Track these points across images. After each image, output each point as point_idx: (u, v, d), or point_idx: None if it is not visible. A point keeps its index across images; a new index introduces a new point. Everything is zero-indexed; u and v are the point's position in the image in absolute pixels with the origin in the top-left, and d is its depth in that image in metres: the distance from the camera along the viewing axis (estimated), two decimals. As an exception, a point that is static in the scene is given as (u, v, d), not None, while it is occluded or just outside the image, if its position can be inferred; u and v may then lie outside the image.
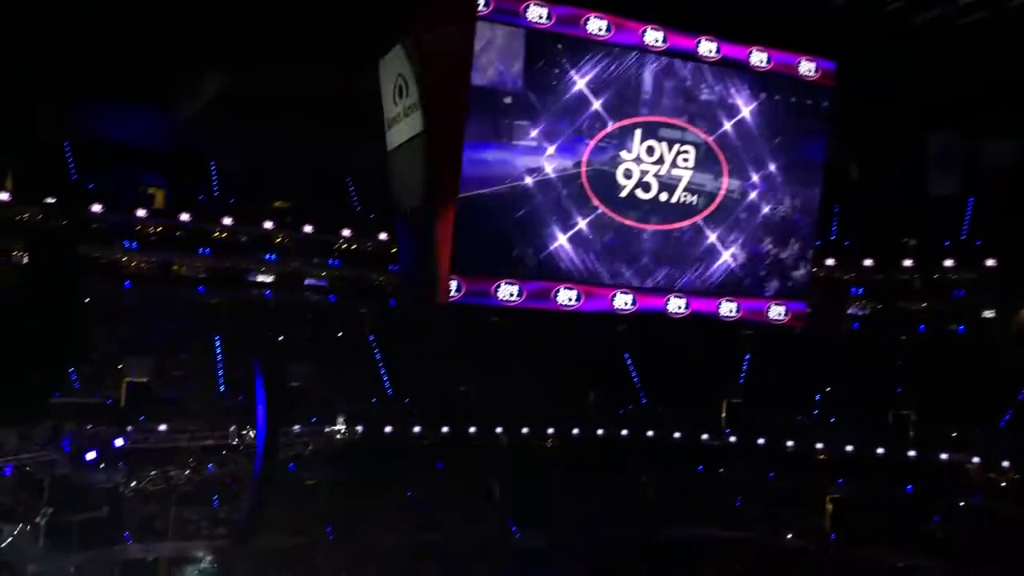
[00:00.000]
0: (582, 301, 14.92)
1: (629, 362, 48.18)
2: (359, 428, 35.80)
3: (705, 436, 44.35)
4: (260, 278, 45.75)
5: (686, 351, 45.05)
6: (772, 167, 16.25)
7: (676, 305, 15.81)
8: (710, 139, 15.62)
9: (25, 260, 38.79)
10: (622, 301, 15.29)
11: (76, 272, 39.36)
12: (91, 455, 30.50)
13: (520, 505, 41.84)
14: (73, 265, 39.29)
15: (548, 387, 44.98)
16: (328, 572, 35.26)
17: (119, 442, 31.56)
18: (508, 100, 13.95)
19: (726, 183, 15.88)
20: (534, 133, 14.19)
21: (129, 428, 33.55)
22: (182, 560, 32.74)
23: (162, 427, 35.11)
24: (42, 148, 42.85)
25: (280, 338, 42.08)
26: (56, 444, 29.93)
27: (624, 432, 43.73)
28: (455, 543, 38.52)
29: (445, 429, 41.64)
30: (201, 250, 44.35)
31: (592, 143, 14.67)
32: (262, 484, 29.67)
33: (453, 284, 13.81)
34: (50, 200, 40.72)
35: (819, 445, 43.01)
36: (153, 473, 32.03)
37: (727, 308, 16.33)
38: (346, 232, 46.60)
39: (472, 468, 42.51)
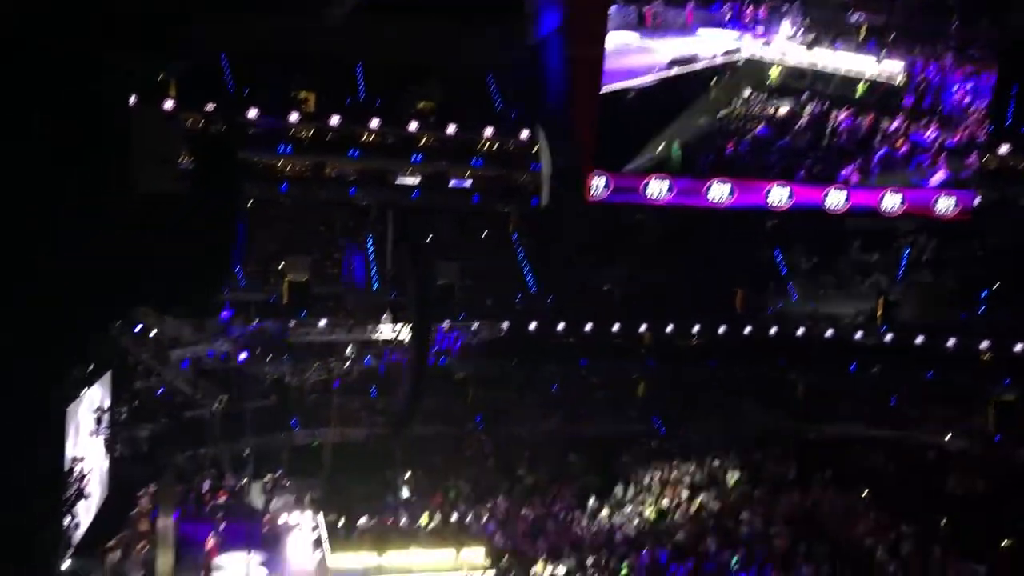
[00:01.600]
0: (735, 196, 14.51)
1: (779, 258, 46.76)
2: (504, 325, 36.56)
3: (859, 334, 42.81)
4: (407, 179, 46.66)
5: (840, 245, 43.35)
6: (941, 49, 15.06)
7: (835, 199, 15.16)
8: (873, 19, 14.58)
9: (190, 166, 40.99)
10: (778, 195, 14.78)
11: (237, 175, 41.27)
12: (258, 348, 32.55)
13: (665, 402, 42.09)
14: (233, 169, 41.21)
15: (694, 284, 44.44)
16: (478, 459, 36.82)
17: (283, 336, 33.46)
18: (654, -14, 13.40)
19: (889, 67, 14.87)
20: (680, 20, 13.63)
21: (292, 323, 35.49)
22: (344, 445, 34.89)
23: (322, 322, 37.01)
24: (200, 57, 44.62)
25: (428, 238, 43.07)
26: (227, 337, 32.00)
27: (773, 330, 42.72)
28: (600, 437, 39.32)
29: (588, 327, 41.95)
30: (351, 152, 45.52)
31: (743, 27, 13.97)
32: (415, 376, 30.94)
33: (600, 181, 13.68)
34: (209, 107, 42.56)
35: (984, 344, 40.77)
36: (315, 365, 33.87)
37: (890, 201, 15.54)
38: (488, 131, 46.58)
39: (616, 365, 42.89)
